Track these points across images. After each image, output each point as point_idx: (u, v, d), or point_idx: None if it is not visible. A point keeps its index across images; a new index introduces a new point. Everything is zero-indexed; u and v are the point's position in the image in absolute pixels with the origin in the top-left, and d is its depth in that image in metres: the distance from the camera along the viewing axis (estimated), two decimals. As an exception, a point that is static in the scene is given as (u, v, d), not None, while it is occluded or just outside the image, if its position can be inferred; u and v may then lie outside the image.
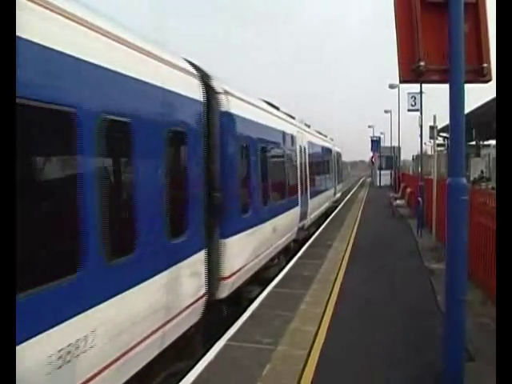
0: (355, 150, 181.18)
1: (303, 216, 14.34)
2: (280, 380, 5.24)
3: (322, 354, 5.89)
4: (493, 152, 28.02)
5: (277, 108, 12.33)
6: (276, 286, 9.26)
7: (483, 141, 32.66)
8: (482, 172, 28.10)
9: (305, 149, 15.30)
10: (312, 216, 16.45)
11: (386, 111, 46.65)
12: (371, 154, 54.26)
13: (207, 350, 6.12)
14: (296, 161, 13.73)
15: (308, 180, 15.62)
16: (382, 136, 54.11)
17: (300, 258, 12.20)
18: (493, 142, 31.60)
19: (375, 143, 48.64)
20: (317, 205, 17.99)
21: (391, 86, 35.97)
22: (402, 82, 5.25)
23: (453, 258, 4.72)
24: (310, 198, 16.04)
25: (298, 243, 13.87)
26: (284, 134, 11.82)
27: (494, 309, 6.24)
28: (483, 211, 8.27)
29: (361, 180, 77.34)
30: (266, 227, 9.46)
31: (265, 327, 6.89)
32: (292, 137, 12.96)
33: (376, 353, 5.97)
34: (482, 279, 8.08)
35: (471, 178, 25.97)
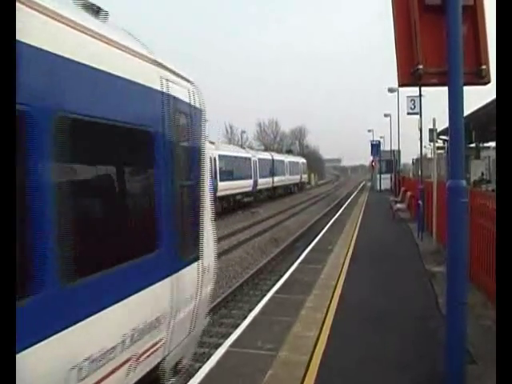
0: (355, 154, 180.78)
1: None
2: (282, 386, 5.21)
3: (323, 360, 5.85)
4: (493, 154, 27.98)
5: None
6: (277, 292, 9.22)
7: (483, 143, 32.66)
8: (482, 174, 28.06)
9: None
10: None
11: (385, 115, 46.75)
12: (371, 158, 54.31)
13: (208, 357, 6.09)
14: None
15: None
16: (381, 140, 54.13)
17: (301, 263, 12.17)
18: (493, 144, 31.60)
19: (375, 147, 48.64)
20: None
21: (390, 90, 36.08)
22: (401, 85, 5.25)
23: (453, 260, 4.70)
24: None
25: None
26: None
27: (494, 311, 6.22)
28: (484, 213, 8.25)
29: (361, 184, 77.47)
30: None
31: (266, 333, 6.84)
32: None
33: (377, 358, 5.93)
34: (482, 281, 8.06)
35: (471, 180, 25.96)
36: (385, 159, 47.37)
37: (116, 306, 3.41)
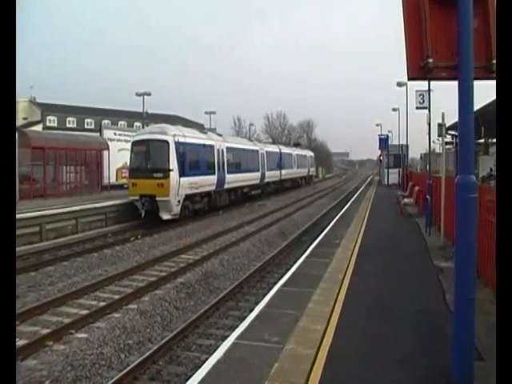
0: (363, 148, 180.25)
1: None
2: (288, 379, 5.22)
3: (330, 353, 5.87)
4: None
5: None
6: (284, 285, 9.24)
7: (492, 138, 32.41)
8: (490, 170, 27.87)
9: None
10: None
11: (393, 109, 46.49)
12: (379, 153, 54.06)
13: (215, 349, 6.13)
14: None
15: None
16: (389, 134, 53.84)
17: (308, 256, 12.17)
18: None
19: (383, 141, 48.38)
20: None
21: (399, 84, 35.86)
22: (410, 79, 5.19)
23: (462, 256, 4.68)
24: None
25: None
26: None
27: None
28: (492, 209, 8.20)
29: (368, 178, 77.26)
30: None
31: (273, 326, 6.87)
32: None
33: (385, 352, 5.94)
34: (490, 277, 8.02)
35: (480, 176, 25.79)
36: (393, 153, 47.13)
37: None
